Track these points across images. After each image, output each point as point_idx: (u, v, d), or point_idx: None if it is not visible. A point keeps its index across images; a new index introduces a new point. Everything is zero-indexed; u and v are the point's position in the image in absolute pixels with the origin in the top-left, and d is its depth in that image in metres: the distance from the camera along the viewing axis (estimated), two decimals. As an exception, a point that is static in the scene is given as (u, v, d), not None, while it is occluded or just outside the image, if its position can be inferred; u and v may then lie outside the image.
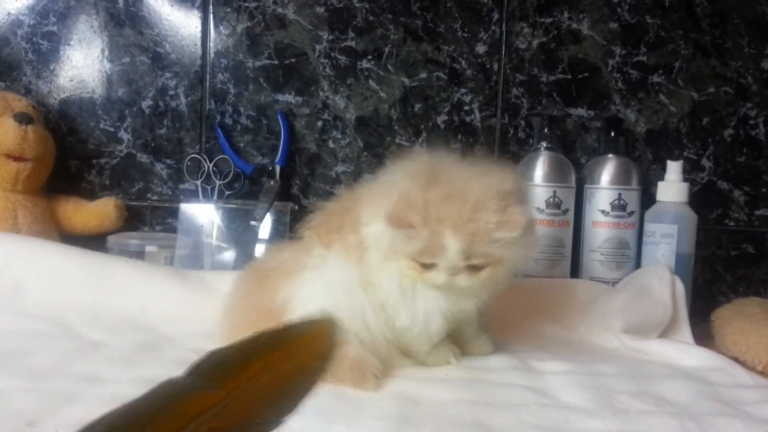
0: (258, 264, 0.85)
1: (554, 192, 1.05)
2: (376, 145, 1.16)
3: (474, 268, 0.68)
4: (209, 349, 0.78)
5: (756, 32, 1.15)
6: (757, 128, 1.17)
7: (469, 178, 0.69)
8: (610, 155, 1.08)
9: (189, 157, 1.12)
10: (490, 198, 0.67)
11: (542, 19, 1.14)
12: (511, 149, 1.16)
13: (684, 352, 0.86)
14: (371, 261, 0.72)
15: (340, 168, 1.16)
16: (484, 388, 0.68)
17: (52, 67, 1.14)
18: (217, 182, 1.09)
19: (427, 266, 0.68)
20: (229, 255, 1.07)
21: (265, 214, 1.03)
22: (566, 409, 0.63)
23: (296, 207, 1.11)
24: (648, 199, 1.08)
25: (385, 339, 0.74)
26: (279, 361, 0.32)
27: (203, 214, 1.07)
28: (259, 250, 1.03)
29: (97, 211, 1.10)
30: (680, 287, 0.96)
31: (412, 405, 0.62)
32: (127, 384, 0.65)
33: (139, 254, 1.03)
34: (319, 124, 1.15)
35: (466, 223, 0.66)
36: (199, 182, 1.09)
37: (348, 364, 0.69)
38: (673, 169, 1.03)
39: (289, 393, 0.33)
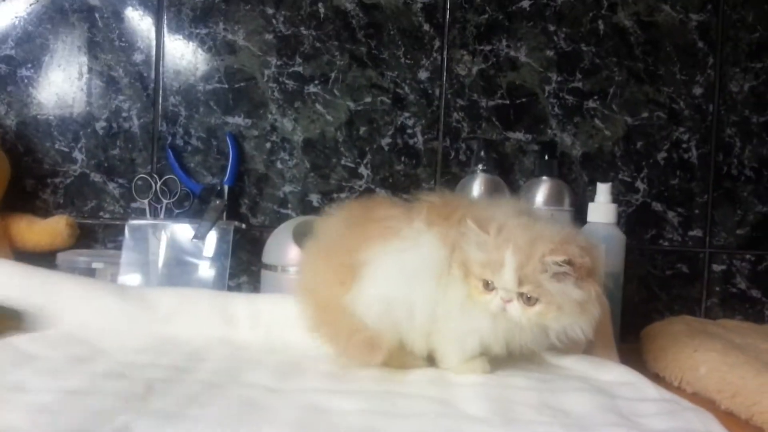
0: (359, 208, 0.87)
1: (488, 212, 1.09)
2: (322, 166, 1.20)
3: (528, 302, 0.74)
4: (143, 362, 0.81)
5: (687, 59, 1.21)
6: (690, 152, 1.22)
7: (554, 227, 0.78)
8: (544, 177, 1.12)
9: (138, 177, 1.15)
10: (554, 236, 0.75)
11: (481, 47, 1.19)
12: (453, 171, 1.20)
13: (600, 368, 0.89)
14: (454, 271, 0.78)
15: (287, 188, 1.20)
16: (391, 399, 0.71)
17: (9, 90, 1.18)
18: (164, 201, 1.13)
19: (488, 288, 0.76)
20: (208, 272, 1.10)
21: (207, 232, 1.06)
22: (462, 419, 0.66)
23: (243, 225, 1.15)
24: (584, 220, 1.12)
25: (421, 336, 0.81)
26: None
27: (150, 232, 1.11)
28: (203, 267, 1.07)
29: (49, 229, 1.13)
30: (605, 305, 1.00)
31: (314, 413, 0.65)
32: (47, 393, 0.67)
33: (87, 271, 1.07)
34: (268, 145, 1.19)
35: (525, 247, 0.73)
36: (146, 201, 1.12)
37: (357, 342, 0.79)
38: (603, 190, 1.07)
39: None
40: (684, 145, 1.21)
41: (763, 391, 0.74)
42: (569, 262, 0.73)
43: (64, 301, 0.95)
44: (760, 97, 1.21)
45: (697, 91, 1.21)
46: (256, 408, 0.66)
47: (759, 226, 1.22)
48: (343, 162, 1.20)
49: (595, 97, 1.20)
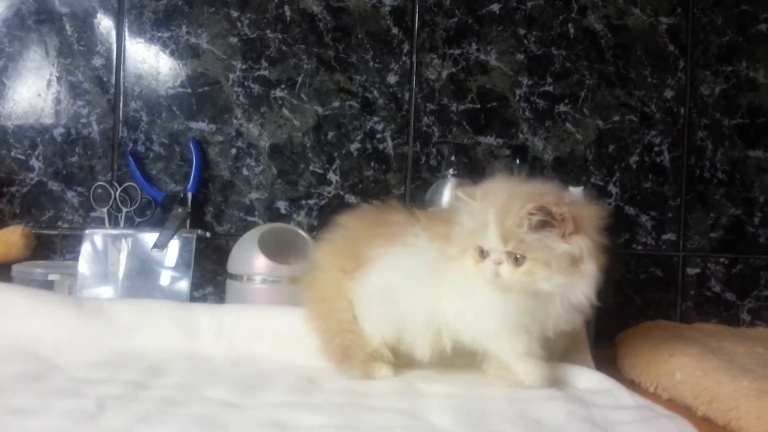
0: (373, 212, 0.92)
1: (460, 218, 1.07)
2: (290, 172, 1.17)
3: (516, 263, 0.72)
4: (98, 378, 0.77)
5: (658, 63, 1.20)
6: (662, 155, 1.21)
7: (538, 186, 0.77)
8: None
9: (97, 185, 1.11)
10: (533, 191, 0.74)
11: (451, 51, 1.18)
12: (423, 176, 1.18)
13: (575, 375, 0.87)
14: (451, 251, 0.78)
15: (254, 195, 1.16)
16: (357, 413, 0.68)
17: (-39, 95, 1.13)
18: (125, 210, 1.09)
19: (482, 256, 0.74)
20: (183, 284, 1.06)
21: (169, 241, 1.03)
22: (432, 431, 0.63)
23: (207, 234, 1.11)
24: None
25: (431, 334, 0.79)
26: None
27: (110, 242, 1.07)
28: (165, 277, 1.03)
29: (3, 240, 1.09)
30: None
31: (275, 430, 0.62)
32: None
33: (44, 283, 1.02)
34: (233, 151, 1.16)
35: (505, 204, 0.73)
36: (105, 210, 1.08)
37: (335, 345, 0.81)
38: (575, 195, 1.06)
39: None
40: (656, 149, 1.20)
41: (739, 396, 0.73)
42: (545, 211, 0.70)
43: (16, 314, 0.90)
44: (731, 100, 1.21)
45: (669, 94, 1.20)
46: (214, 426, 0.62)
47: (732, 229, 1.22)
48: (311, 168, 1.17)
49: (566, 101, 1.19)
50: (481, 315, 0.77)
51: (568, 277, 0.73)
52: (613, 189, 1.20)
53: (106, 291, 1.04)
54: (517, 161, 1.12)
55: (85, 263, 1.05)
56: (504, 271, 0.73)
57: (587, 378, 0.86)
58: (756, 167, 1.22)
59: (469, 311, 0.78)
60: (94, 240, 1.07)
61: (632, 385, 0.89)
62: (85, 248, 1.06)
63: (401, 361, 0.83)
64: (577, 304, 0.74)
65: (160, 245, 1.02)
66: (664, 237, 1.21)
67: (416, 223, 0.82)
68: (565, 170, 1.19)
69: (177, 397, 0.70)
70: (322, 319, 0.85)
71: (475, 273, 0.75)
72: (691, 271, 1.22)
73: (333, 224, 0.87)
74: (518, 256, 0.72)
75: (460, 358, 0.82)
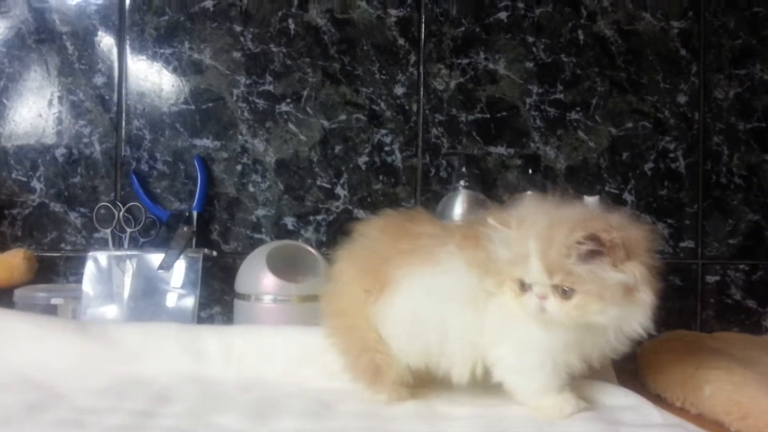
0: (397, 218, 0.81)
1: (473, 230, 1.04)
2: (296, 187, 1.14)
3: (564, 296, 0.66)
4: (103, 407, 0.74)
5: (670, 67, 1.17)
6: (677, 161, 1.18)
7: (579, 209, 0.70)
8: (529, 192, 1.07)
9: (100, 205, 1.09)
10: (576, 216, 0.67)
11: (459, 60, 1.15)
12: (433, 188, 1.15)
13: (600, 392, 0.83)
14: (488, 284, 0.72)
15: (260, 212, 1.14)
16: (376, 438, 0.65)
17: (-39, 117, 1.11)
18: (128, 230, 1.06)
19: (524, 289, 0.68)
20: (189, 305, 1.03)
21: (175, 261, 1.00)
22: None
23: (214, 253, 1.08)
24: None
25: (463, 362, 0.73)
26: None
27: (114, 264, 1.04)
28: (171, 298, 1.00)
29: (5, 264, 1.06)
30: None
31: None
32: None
33: (47, 307, 1.00)
34: (238, 168, 1.13)
35: (546, 232, 0.66)
36: (109, 230, 1.06)
37: (364, 364, 0.75)
38: (590, 204, 1.03)
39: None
40: (671, 155, 1.18)
41: (775, 411, 0.69)
42: (594, 239, 0.64)
43: (18, 342, 0.87)
44: (746, 103, 1.18)
45: (682, 99, 1.18)
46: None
47: (751, 235, 1.18)
48: (318, 183, 1.14)
49: (578, 109, 1.16)
50: (523, 353, 0.71)
51: (623, 308, 0.66)
52: (628, 197, 1.17)
53: (111, 313, 1.02)
54: (530, 171, 1.09)
55: (88, 286, 1.02)
56: (551, 306, 0.66)
57: (612, 394, 0.82)
58: (774, 171, 1.19)
59: (511, 352, 0.72)
60: (98, 261, 1.04)
61: (658, 400, 0.85)
62: (89, 270, 1.03)
63: (421, 381, 0.79)
64: (632, 335, 0.69)
65: (166, 266, 0.99)
66: (682, 245, 1.18)
67: (449, 238, 0.75)
68: (579, 179, 1.16)
69: (185, 426, 0.67)
70: (343, 335, 0.79)
71: (517, 308, 0.69)
72: (711, 278, 1.19)
73: (354, 233, 0.80)
74: (566, 288, 0.66)
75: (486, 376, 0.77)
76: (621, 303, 0.66)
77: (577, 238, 0.64)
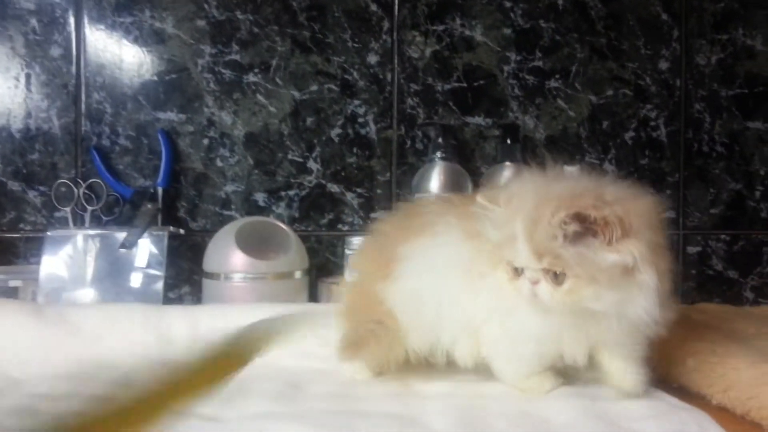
0: (408, 205, 0.79)
1: (450, 203, 1.00)
2: (267, 162, 1.10)
3: (556, 280, 0.60)
4: (60, 392, 0.70)
5: (651, 33, 1.14)
6: (658, 129, 1.15)
7: (573, 182, 0.62)
8: (507, 163, 1.04)
9: (59, 183, 1.04)
10: (564, 192, 0.60)
11: (434, 27, 1.11)
12: (409, 161, 1.11)
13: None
14: (481, 266, 0.67)
15: (229, 188, 1.09)
16: (346, 419, 0.62)
17: None
18: (89, 208, 1.01)
19: (517, 273, 0.63)
20: (156, 285, 0.99)
21: (137, 240, 0.95)
22: (427, 439, 0.57)
23: (180, 231, 1.04)
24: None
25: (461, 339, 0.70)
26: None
27: (75, 243, 0.99)
28: (136, 279, 0.96)
29: (-40, 246, 1.01)
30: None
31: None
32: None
33: (6, 290, 0.95)
34: (205, 142, 1.09)
35: (533, 211, 0.60)
36: (69, 209, 1.01)
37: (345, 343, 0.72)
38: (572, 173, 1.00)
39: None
40: (652, 123, 1.15)
41: (760, 383, 0.67)
42: (581, 218, 0.57)
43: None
44: (728, 69, 1.15)
45: (663, 65, 1.14)
46: None
47: (733, 205, 1.16)
48: (290, 156, 1.10)
49: (557, 76, 1.13)
50: (513, 339, 0.66)
51: (623, 291, 0.60)
52: (608, 166, 1.14)
53: (73, 295, 0.97)
54: (508, 141, 1.06)
55: (49, 267, 0.97)
56: (542, 292, 0.61)
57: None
58: (756, 139, 1.16)
59: (501, 336, 0.67)
60: (59, 242, 0.99)
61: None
62: (49, 251, 0.98)
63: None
64: (638, 322, 0.62)
65: (128, 244, 0.94)
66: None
67: (451, 209, 0.70)
68: (559, 149, 1.13)
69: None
70: (350, 312, 0.76)
71: (512, 292, 0.64)
72: (692, 249, 1.17)
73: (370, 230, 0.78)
74: (557, 272, 0.60)
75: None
76: (620, 286, 0.59)
77: (562, 218, 0.57)
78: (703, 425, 0.62)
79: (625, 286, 0.59)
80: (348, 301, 0.78)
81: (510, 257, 0.62)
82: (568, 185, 0.61)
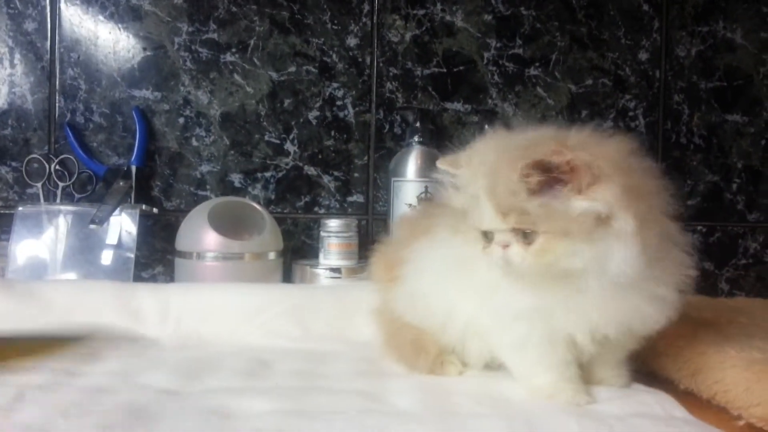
0: (424, 205, 0.82)
1: (426, 187, 1.00)
2: (243, 142, 1.09)
3: (526, 240, 0.55)
4: (22, 367, 0.69)
5: (631, 23, 1.14)
6: (637, 120, 1.15)
7: (535, 133, 0.58)
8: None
9: (30, 158, 1.02)
10: (522, 143, 0.56)
11: (415, 11, 1.10)
12: (387, 145, 1.11)
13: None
14: (455, 241, 0.63)
15: (205, 168, 1.08)
16: (310, 396, 0.61)
17: None
18: (61, 184, 1.00)
19: (488, 239, 0.58)
20: (112, 262, 0.97)
21: (108, 217, 0.94)
22: (389, 415, 0.57)
23: (154, 210, 1.03)
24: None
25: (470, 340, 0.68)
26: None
27: (45, 219, 0.98)
28: (107, 256, 0.95)
29: (-72, 221, 0.99)
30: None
31: (214, 418, 0.55)
32: None
33: (-26, 266, 0.93)
34: (181, 121, 1.07)
35: (491, 167, 0.55)
36: (40, 185, 0.99)
37: (407, 342, 0.69)
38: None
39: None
40: (631, 113, 1.15)
41: (725, 367, 0.67)
42: (542, 166, 0.52)
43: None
44: (708, 61, 1.16)
45: (643, 56, 1.15)
46: (144, 416, 0.55)
47: (709, 196, 1.17)
48: (266, 138, 1.09)
49: (537, 64, 1.12)
50: (504, 322, 0.61)
51: (600, 243, 0.53)
52: (586, 156, 1.14)
53: (43, 271, 0.96)
54: (486, 128, 1.05)
55: (19, 243, 0.96)
56: (514, 255, 0.55)
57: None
58: (734, 132, 1.17)
59: (495, 322, 0.63)
60: (29, 218, 0.98)
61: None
62: (19, 227, 0.97)
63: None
64: (619, 276, 0.54)
65: (99, 220, 0.93)
66: (640, 206, 1.16)
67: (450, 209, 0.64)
68: (537, 137, 1.12)
69: (108, 385, 0.63)
70: (381, 318, 0.75)
71: (484, 264, 0.58)
72: (668, 241, 1.17)
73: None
74: (527, 231, 0.54)
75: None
76: (596, 239, 0.53)
77: (522, 169, 0.52)
78: (666, 407, 0.62)
79: (603, 237, 0.53)
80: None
81: (476, 222, 0.57)
82: (529, 135, 0.58)
